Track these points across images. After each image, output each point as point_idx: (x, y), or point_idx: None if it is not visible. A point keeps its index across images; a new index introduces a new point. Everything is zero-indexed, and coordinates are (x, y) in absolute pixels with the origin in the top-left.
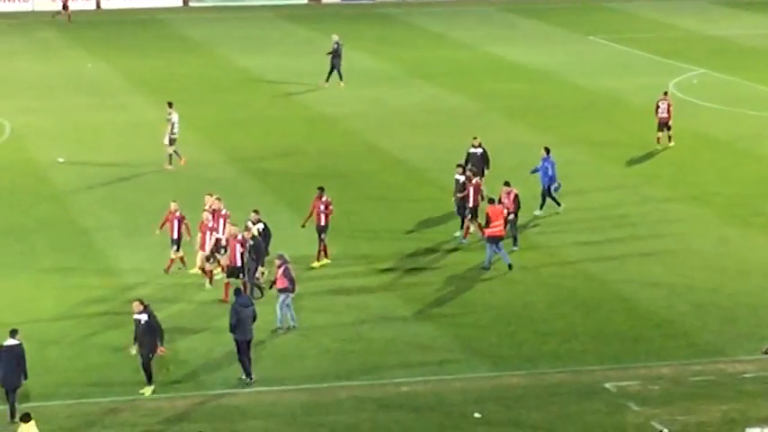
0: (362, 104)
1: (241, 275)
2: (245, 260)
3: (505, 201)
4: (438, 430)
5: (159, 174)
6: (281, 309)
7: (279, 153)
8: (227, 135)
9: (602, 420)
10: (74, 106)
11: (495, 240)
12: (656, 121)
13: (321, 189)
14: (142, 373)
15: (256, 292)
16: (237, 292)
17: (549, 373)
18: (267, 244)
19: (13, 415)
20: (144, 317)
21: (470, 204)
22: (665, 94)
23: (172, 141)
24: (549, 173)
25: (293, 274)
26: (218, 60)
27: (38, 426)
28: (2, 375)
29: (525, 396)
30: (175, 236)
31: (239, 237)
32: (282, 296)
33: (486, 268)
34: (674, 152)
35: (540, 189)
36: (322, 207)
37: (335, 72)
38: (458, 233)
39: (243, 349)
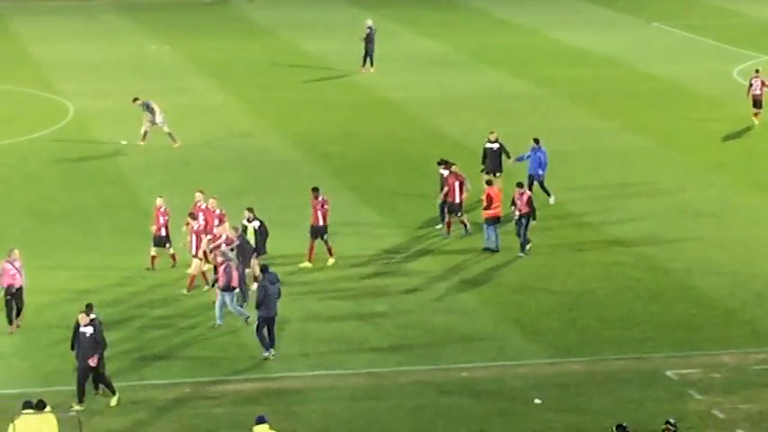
0: (426, 89)
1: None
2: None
3: (518, 202)
4: (498, 416)
5: (223, 156)
6: (232, 307)
7: (342, 137)
8: (290, 119)
9: (663, 408)
10: (137, 89)
11: (493, 221)
12: (750, 100)
13: (316, 189)
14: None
15: (239, 297)
16: (265, 269)
17: (610, 359)
18: (264, 242)
19: (96, 385)
20: (90, 329)
21: (457, 200)
22: (757, 71)
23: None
24: (543, 161)
25: (235, 273)
26: (283, 44)
27: (101, 406)
28: (80, 352)
29: (586, 383)
30: (163, 233)
31: (223, 237)
32: (226, 296)
33: (496, 249)
34: (739, 140)
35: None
36: (318, 207)
37: (369, 57)
38: (439, 226)
39: (263, 325)
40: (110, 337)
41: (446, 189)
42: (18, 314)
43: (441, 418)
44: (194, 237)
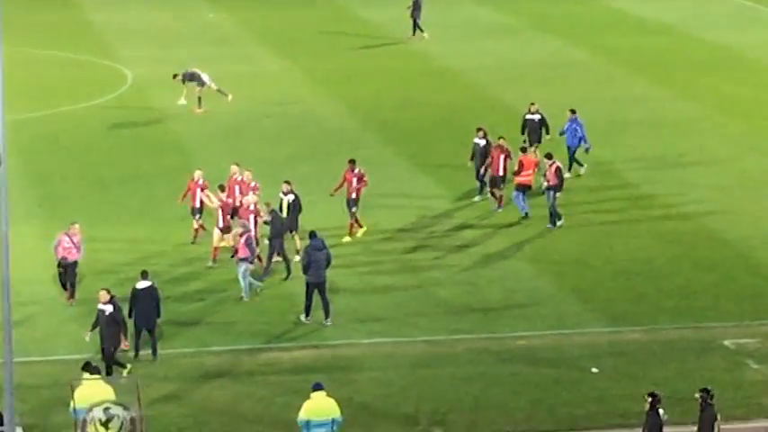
0: (485, 58)
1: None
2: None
3: (547, 173)
4: (554, 384)
5: (279, 125)
6: (242, 278)
7: (400, 105)
8: (347, 87)
9: (720, 377)
10: (194, 56)
11: (523, 189)
12: None
13: (353, 162)
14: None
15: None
16: (312, 235)
17: (668, 329)
18: (296, 217)
19: (155, 351)
20: (109, 308)
21: (500, 173)
22: None
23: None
24: (579, 134)
25: (255, 244)
26: (340, 12)
27: (160, 372)
28: (139, 316)
29: (643, 352)
30: (197, 204)
31: (251, 208)
32: (242, 266)
33: (525, 216)
34: None
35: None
36: (355, 180)
37: (415, 24)
38: (477, 198)
39: (313, 291)
40: (168, 304)
41: (489, 160)
42: (71, 289)
43: (497, 387)
44: (221, 209)
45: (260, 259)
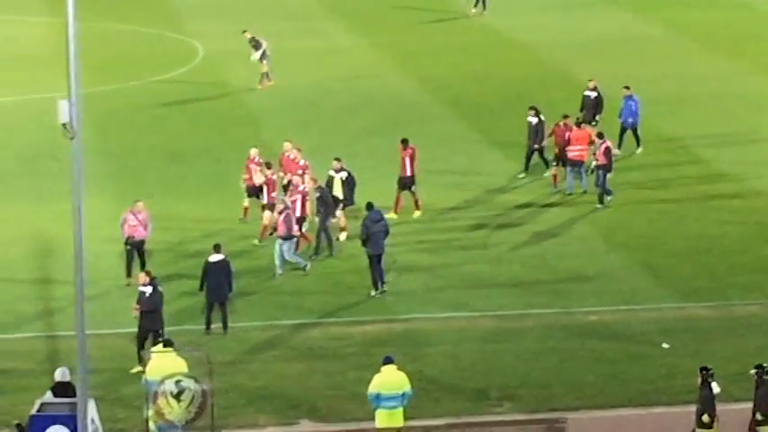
0: (555, 32)
1: (303, 224)
2: (314, 211)
3: (597, 153)
4: (626, 359)
5: (351, 99)
6: (289, 257)
7: (471, 80)
8: (420, 61)
9: None
10: (268, 31)
11: (575, 164)
12: None
13: (405, 141)
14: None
15: (324, 246)
16: (369, 206)
17: (739, 305)
18: (351, 192)
19: (225, 325)
20: (149, 289)
21: (557, 150)
22: None
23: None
24: (633, 109)
25: (294, 222)
26: None
27: (231, 345)
28: (211, 289)
29: (715, 328)
30: (256, 182)
31: (300, 188)
32: (284, 244)
33: (569, 193)
34: None
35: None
36: (408, 159)
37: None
38: (522, 175)
39: (374, 262)
40: (239, 277)
41: (547, 138)
42: (142, 267)
43: (568, 361)
44: (266, 186)
45: (305, 238)
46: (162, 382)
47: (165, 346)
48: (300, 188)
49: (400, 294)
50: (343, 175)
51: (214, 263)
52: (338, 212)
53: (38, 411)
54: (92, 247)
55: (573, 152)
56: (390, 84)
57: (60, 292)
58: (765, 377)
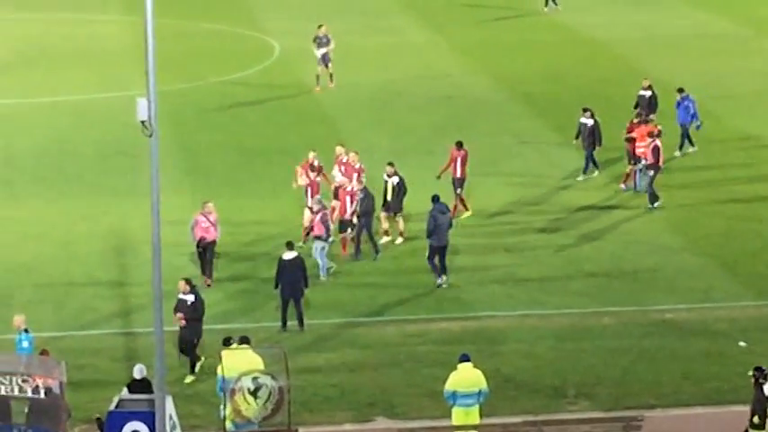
0: (631, 29)
1: (349, 229)
2: (356, 213)
3: (646, 151)
4: (702, 358)
5: (425, 96)
6: (319, 257)
7: (546, 77)
8: (493, 58)
9: None
10: (341, 29)
11: (640, 161)
12: None
13: (460, 143)
14: (181, 357)
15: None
16: (435, 198)
17: None
18: (401, 199)
19: (301, 322)
20: (191, 297)
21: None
22: None
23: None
24: (691, 111)
25: (330, 221)
26: None
27: (307, 342)
28: (286, 286)
29: None
30: (301, 185)
31: (348, 188)
32: (318, 244)
33: (637, 189)
34: None
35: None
36: (459, 160)
37: None
38: (580, 177)
39: (434, 254)
40: (313, 274)
41: (593, 137)
42: (209, 270)
43: (644, 360)
44: (309, 188)
45: (344, 241)
46: (239, 379)
47: (240, 342)
48: (349, 189)
49: (475, 292)
50: (395, 180)
51: (288, 260)
52: (382, 215)
53: (116, 408)
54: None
55: (639, 149)
56: (464, 81)
57: (136, 288)
58: (761, 381)
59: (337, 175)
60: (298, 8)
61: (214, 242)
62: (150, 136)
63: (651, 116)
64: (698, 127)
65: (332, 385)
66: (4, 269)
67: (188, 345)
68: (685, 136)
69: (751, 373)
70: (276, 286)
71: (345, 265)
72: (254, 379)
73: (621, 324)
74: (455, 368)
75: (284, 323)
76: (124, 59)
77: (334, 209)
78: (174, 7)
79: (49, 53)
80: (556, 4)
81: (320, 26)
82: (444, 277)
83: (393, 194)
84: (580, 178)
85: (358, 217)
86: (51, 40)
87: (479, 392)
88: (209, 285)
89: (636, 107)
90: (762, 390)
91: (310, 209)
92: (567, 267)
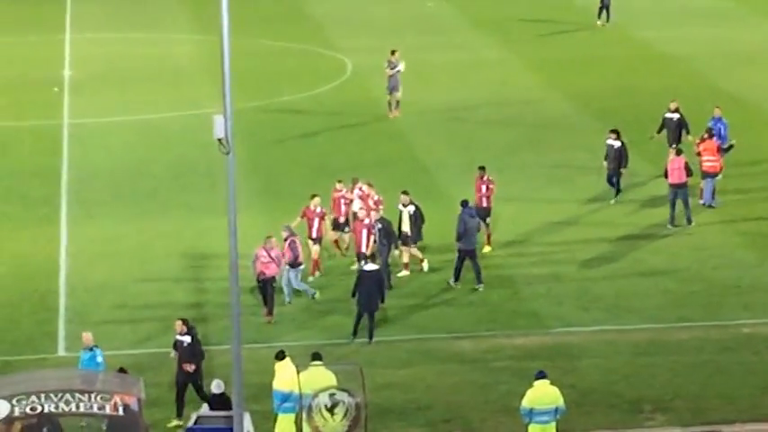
0: (705, 44)
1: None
2: (375, 245)
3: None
4: None
5: (497, 112)
6: (298, 285)
7: (619, 92)
8: (566, 74)
9: None
10: (413, 46)
11: (707, 175)
12: None
13: (482, 169)
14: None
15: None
16: (465, 203)
17: None
18: (419, 228)
19: (371, 336)
20: (187, 338)
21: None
22: None
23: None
24: (722, 133)
25: (299, 248)
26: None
27: (382, 358)
28: (363, 298)
29: None
30: (342, 218)
31: (366, 222)
32: (291, 272)
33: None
34: None
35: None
36: (483, 188)
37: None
38: (613, 201)
39: (464, 258)
40: (392, 290)
41: (619, 159)
42: (270, 305)
43: (721, 375)
44: (316, 219)
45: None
46: (316, 395)
47: (313, 359)
48: (367, 222)
49: (551, 307)
50: (411, 209)
51: (367, 272)
52: (406, 248)
53: (194, 424)
54: (242, 261)
55: (705, 164)
56: (536, 97)
57: (212, 307)
58: None
59: (356, 206)
60: (370, 26)
61: (273, 278)
62: (227, 153)
63: (682, 139)
64: (728, 148)
65: (408, 401)
66: (81, 288)
67: (184, 387)
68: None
69: None
70: (353, 295)
71: (418, 282)
72: (332, 395)
73: (698, 339)
74: (531, 384)
75: (354, 333)
76: (197, 78)
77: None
78: (246, 26)
79: (123, 72)
80: (608, 19)
81: (393, 52)
82: (481, 285)
83: (411, 224)
84: (612, 202)
85: (379, 250)
86: (125, 59)
87: (556, 409)
88: (269, 321)
89: (659, 131)
90: None
91: (315, 240)
92: (643, 282)
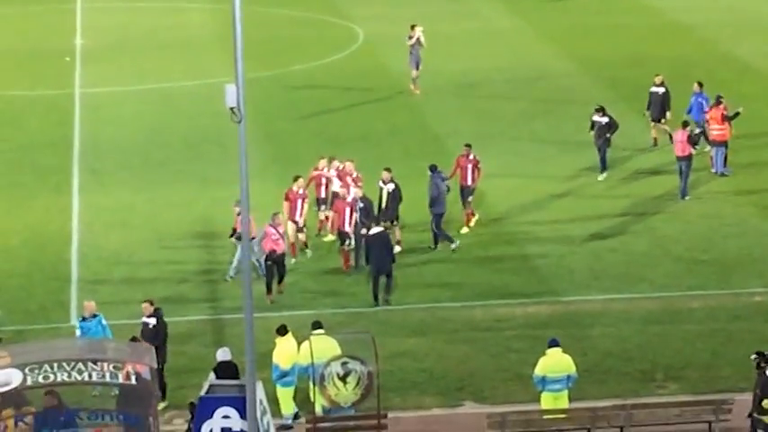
0: (717, 11)
1: (348, 241)
2: (356, 224)
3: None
4: None
5: (509, 81)
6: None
7: (631, 61)
8: (578, 42)
9: None
10: (427, 14)
11: (715, 144)
12: None
13: (468, 146)
14: None
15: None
16: (433, 168)
17: None
18: (396, 207)
19: (389, 292)
20: (152, 321)
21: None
22: None
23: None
24: (705, 108)
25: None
26: None
27: (394, 327)
28: (375, 261)
29: None
30: (323, 195)
31: (348, 199)
32: (237, 243)
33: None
34: None
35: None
36: (470, 166)
37: None
38: (601, 177)
39: (438, 221)
40: (403, 259)
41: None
42: (280, 281)
43: (733, 343)
44: (299, 202)
45: (346, 257)
46: (328, 364)
47: (314, 328)
48: (349, 200)
49: (563, 276)
50: (391, 187)
51: (374, 235)
52: (396, 230)
53: (206, 393)
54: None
55: (713, 132)
56: (548, 66)
57: (224, 275)
58: (763, 365)
59: (336, 186)
60: None
61: (284, 254)
62: (239, 122)
63: (667, 115)
64: (732, 117)
65: (420, 370)
66: (93, 257)
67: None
68: (701, 133)
69: (753, 357)
70: (366, 262)
71: (429, 251)
72: (344, 364)
73: (710, 307)
74: (543, 353)
75: (375, 297)
76: (210, 47)
77: (327, 218)
78: None
79: (134, 42)
80: None
81: (413, 26)
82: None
83: (388, 202)
84: (600, 178)
85: (355, 231)
86: (137, 28)
87: (568, 377)
88: (280, 293)
89: (648, 107)
90: (764, 374)
91: (294, 222)
92: (655, 250)
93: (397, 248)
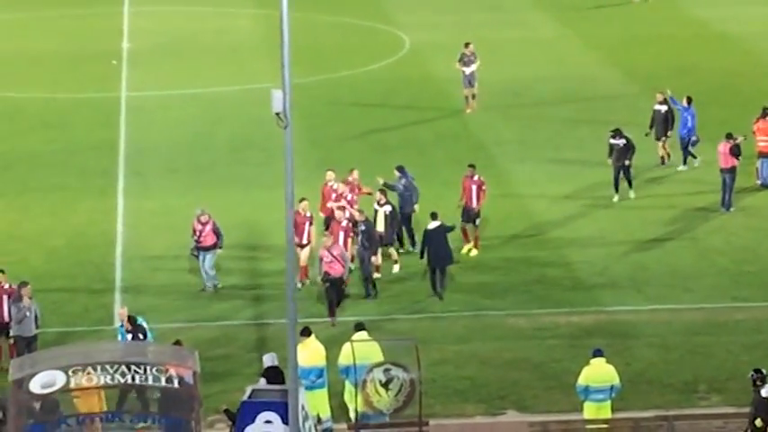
0: (763, 23)
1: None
2: (356, 249)
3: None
4: None
5: (555, 89)
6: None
7: (677, 71)
8: (624, 52)
9: None
10: (472, 22)
11: (763, 156)
12: None
13: (472, 167)
14: None
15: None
16: (400, 168)
17: None
18: (393, 230)
19: (442, 287)
20: (130, 337)
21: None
22: None
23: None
24: (689, 124)
25: (221, 231)
26: None
27: (437, 335)
28: (433, 255)
29: None
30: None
31: (343, 223)
32: (204, 254)
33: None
34: None
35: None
36: (474, 188)
37: None
38: (615, 198)
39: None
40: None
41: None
42: (338, 303)
43: None
44: (306, 224)
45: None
46: (370, 370)
47: (357, 329)
48: (344, 224)
49: (606, 286)
50: (387, 209)
51: (432, 230)
52: (379, 252)
53: (249, 398)
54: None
55: (760, 143)
56: (595, 75)
57: (268, 279)
58: (759, 383)
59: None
60: (427, 2)
61: (341, 278)
62: (285, 128)
63: (668, 133)
64: (694, 143)
65: (463, 378)
66: (137, 260)
67: None
68: (684, 150)
69: (750, 374)
70: (422, 256)
71: (473, 259)
72: (386, 371)
73: (754, 319)
74: (587, 362)
75: (434, 287)
76: (256, 53)
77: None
78: (305, 1)
79: (181, 46)
80: None
81: (467, 44)
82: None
83: (385, 225)
84: (615, 199)
85: (360, 254)
86: (184, 32)
87: (612, 388)
88: (333, 324)
89: (651, 125)
90: (758, 392)
91: (302, 246)
92: (699, 262)
93: (395, 268)
